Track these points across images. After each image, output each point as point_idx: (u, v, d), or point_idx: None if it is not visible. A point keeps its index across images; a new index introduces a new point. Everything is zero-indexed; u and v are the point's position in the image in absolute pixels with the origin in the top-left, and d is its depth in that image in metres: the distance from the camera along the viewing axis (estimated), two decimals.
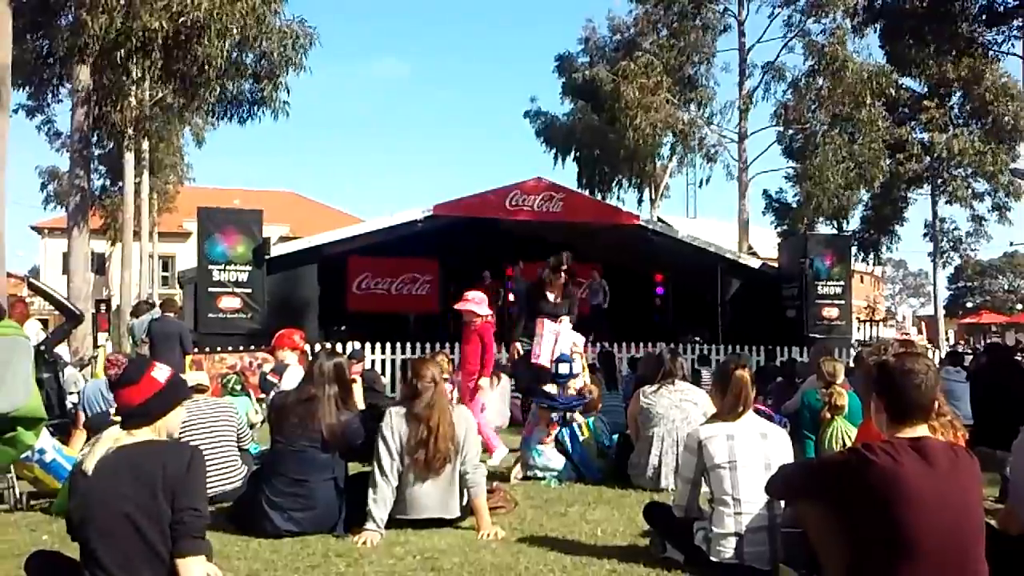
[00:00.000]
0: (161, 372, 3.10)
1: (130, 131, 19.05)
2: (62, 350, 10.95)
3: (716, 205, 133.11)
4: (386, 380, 12.90)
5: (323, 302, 15.82)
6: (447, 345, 14.43)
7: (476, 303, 7.48)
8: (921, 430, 3.05)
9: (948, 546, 2.85)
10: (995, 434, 6.52)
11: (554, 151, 32.16)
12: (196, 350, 11.54)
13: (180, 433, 5.32)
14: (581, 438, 6.56)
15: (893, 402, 3.08)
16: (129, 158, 24.22)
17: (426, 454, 4.65)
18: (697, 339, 16.72)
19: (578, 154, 31.87)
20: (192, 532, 2.82)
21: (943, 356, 14.61)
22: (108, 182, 28.88)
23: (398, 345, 14.40)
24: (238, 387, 7.75)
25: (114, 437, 2.92)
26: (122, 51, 14.93)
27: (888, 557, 2.85)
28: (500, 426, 10.12)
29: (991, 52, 22.16)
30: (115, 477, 2.77)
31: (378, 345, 14.39)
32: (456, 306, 7.64)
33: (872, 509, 2.89)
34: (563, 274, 8.10)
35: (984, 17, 18.60)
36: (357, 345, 12.64)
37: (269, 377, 7.28)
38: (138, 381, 2.99)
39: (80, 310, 3.85)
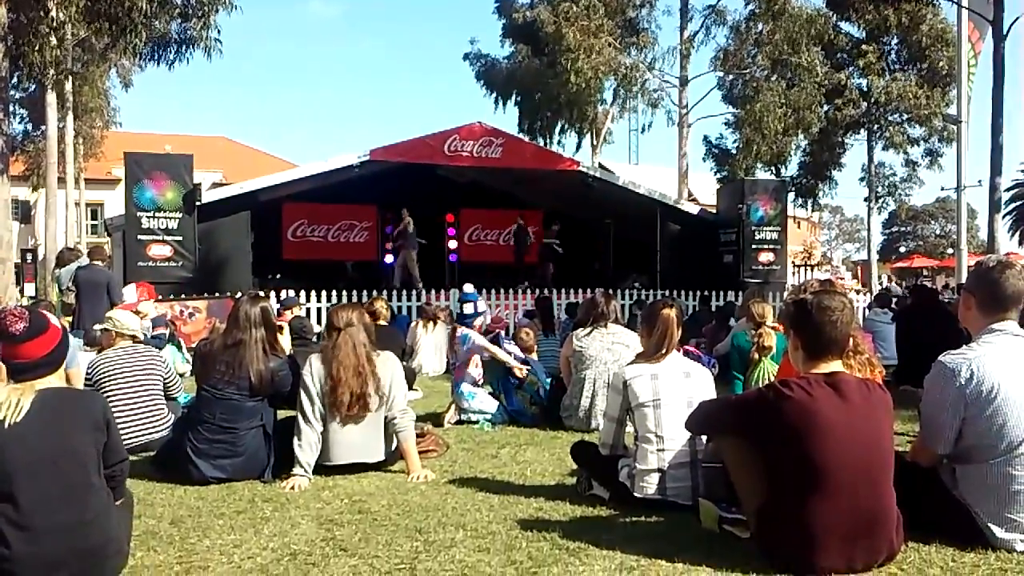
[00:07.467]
0: (55, 319, 3.09)
1: (51, 72, 18.19)
2: None
3: (658, 151, 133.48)
4: (320, 328, 12.75)
5: (257, 250, 15.51)
6: (385, 292, 14.36)
7: None
8: (835, 365, 3.11)
9: (858, 477, 2.93)
10: (917, 373, 6.69)
11: (494, 95, 31.66)
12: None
13: (107, 381, 5.27)
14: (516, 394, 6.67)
15: (809, 339, 3.13)
16: (51, 100, 23.22)
17: (334, 399, 4.63)
18: (636, 284, 16.89)
19: (519, 99, 31.45)
20: (123, 481, 3.06)
21: (872, 298, 15.00)
22: (30, 126, 27.80)
23: (334, 292, 14.23)
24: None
25: (21, 387, 2.84)
26: None
27: (802, 488, 2.92)
28: (434, 372, 10.14)
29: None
30: (37, 422, 2.76)
31: (313, 292, 14.20)
32: None
33: (787, 442, 2.95)
34: None
35: None
36: (292, 293, 12.45)
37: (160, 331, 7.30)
38: (47, 330, 2.96)
39: None
